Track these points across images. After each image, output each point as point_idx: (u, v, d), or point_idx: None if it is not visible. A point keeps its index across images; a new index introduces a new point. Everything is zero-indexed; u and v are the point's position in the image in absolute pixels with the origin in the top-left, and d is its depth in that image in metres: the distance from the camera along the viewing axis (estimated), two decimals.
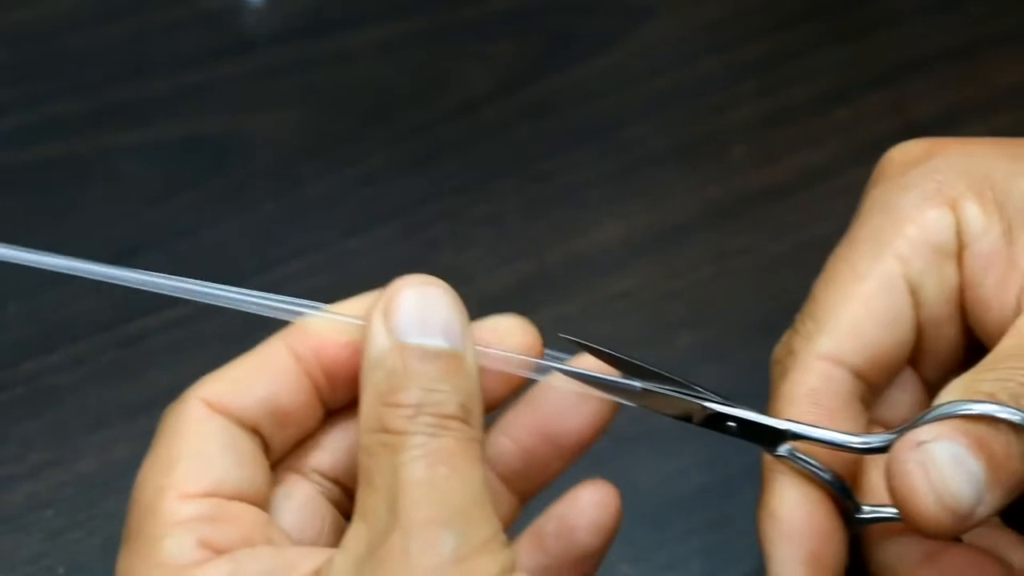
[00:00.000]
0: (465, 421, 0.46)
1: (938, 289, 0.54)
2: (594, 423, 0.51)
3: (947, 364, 0.56)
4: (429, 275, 0.48)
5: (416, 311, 0.47)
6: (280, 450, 0.49)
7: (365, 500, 0.45)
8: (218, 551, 0.46)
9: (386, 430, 0.45)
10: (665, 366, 0.68)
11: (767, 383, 0.55)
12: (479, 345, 0.48)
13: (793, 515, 0.52)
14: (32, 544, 0.63)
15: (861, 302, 0.54)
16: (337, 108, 0.78)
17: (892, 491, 0.47)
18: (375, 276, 0.71)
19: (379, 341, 0.46)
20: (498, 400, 0.51)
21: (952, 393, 0.48)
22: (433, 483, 0.44)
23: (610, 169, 0.76)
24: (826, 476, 0.51)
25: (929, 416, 0.47)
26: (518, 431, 0.51)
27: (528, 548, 0.52)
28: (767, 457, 0.52)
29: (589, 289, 0.70)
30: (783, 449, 0.50)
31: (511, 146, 0.77)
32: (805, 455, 0.51)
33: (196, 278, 0.70)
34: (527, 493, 0.52)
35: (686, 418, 0.50)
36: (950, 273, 0.54)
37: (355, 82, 0.79)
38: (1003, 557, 0.53)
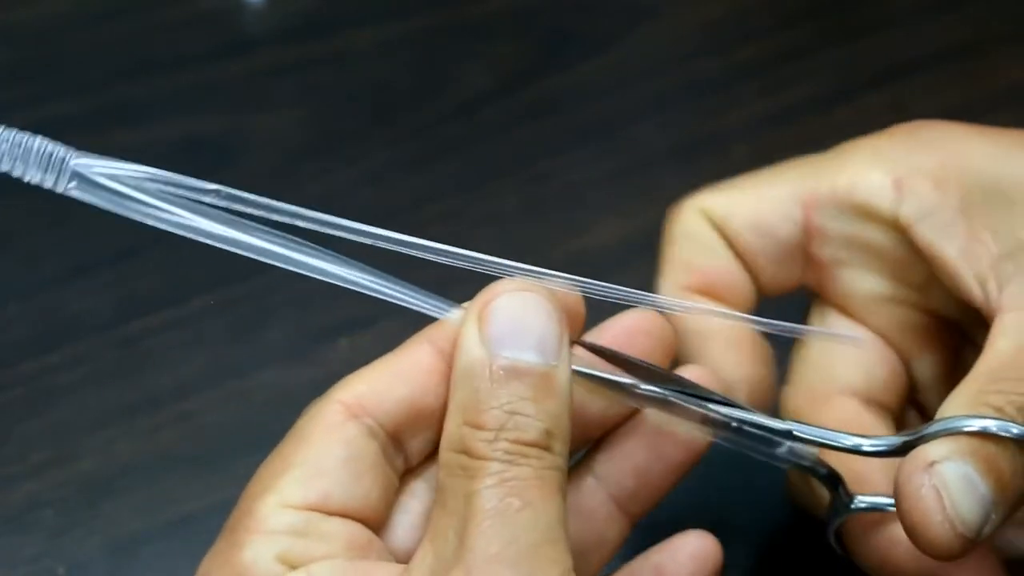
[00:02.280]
0: (546, 448, 0.45)
1: (838, 234, 0.55)
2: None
3: (895, 320, 0.56)
4: (527, 280, 0.47)
5: (511, 321, 0.46)
6: (422, 453, 0.49)
7: (437, 522, 0.45)
8: (295, 567, 0.45)
9: (465, 451, 0.45)
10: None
11: None
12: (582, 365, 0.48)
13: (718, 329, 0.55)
14: (32, 544, 0.63)
15: (759, 185, 0.60)
16: (337, 108, 0.78)
17: (903, 512, 0.47)
18: None
19: (470, 351, 0.46)
20: (610, 421, 0.51)
21: (957, 405, 0.48)
22: (504, 516, 0.43)
23: (610, 169, 0.76)
24: (822, 470, 0.51)
25: (936, 428, 0.47)
26: (628, 448, 0.51)
27: None
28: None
29: None
30: (784, 448, 0.50)
31: (511, 146, 0.77)
32: (803, 451, 0.51)
33: (195, 278, 0.70)
34: (637, 514, 0.51)
35: (691, 417, 0.50)
36: (865, 231, 0.55)
37: (355, 82, 0.79)
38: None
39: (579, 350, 0.49)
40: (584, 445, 0.52)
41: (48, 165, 0.47)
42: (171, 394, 0.67)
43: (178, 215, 0.49)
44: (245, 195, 0.48)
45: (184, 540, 0.63)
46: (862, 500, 0.52)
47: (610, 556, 0.51)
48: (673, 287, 0.57)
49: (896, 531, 0.51)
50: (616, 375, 0.49)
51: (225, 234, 0.50)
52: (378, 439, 0.47)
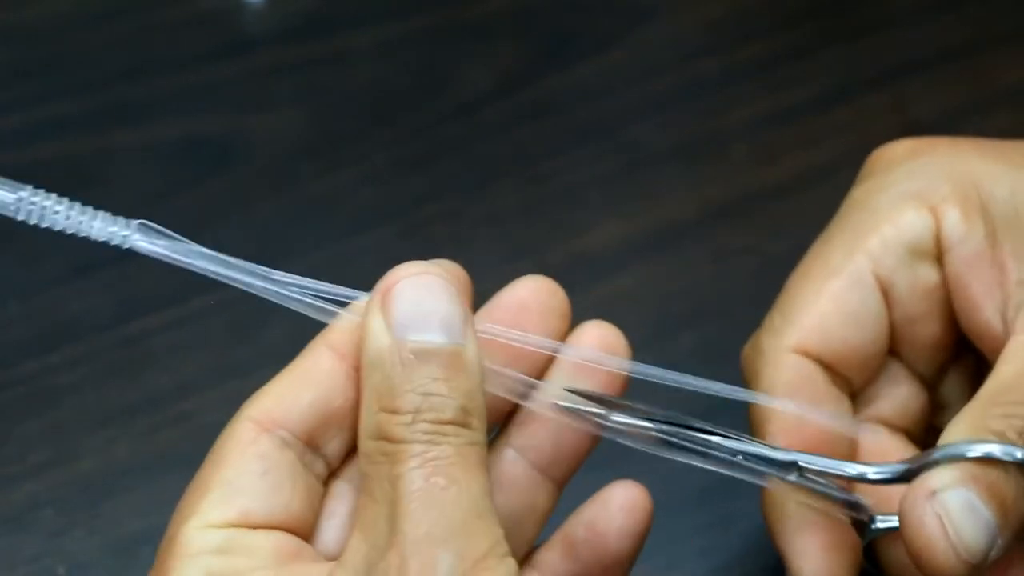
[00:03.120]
0: (464, 424, 0.45)
1: (911, 287, 0.54)
2: (618, 386, 0.51)
3: (936, 358, 0.56)
4: (425, 262, 0.47)
5: (413, 304, 0.46)
6: (340, 455, 0.49)
7: (365, 511, 0.45)
8: None
9: (385, 437, 0.45)
10: (665, 366, 0.68)
11: None
12: (487, 333, 0.48)
13: (805, 511, 0.52)
14: (32, 544, 0.63)
15: (829, 297, 0.54)
16: (337, 108, 0.78)
17: (907, 541, 0.47)
18: (375, 276, 0.71)
19: (377, 339, 0.46)
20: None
21: (959, 430, 0.48)
22: (430, 496, 0.44)
23: (610, 169, 0.76)
24: (836, 493, 0.51)
25: (938, 455, 0.48)
26: (540, 417, 0.51)
27: (559, 556, 0.51)
28: (772, 486, 0.52)
29: (589, 289, 0.70)
30: (791, 476, 0.50)
31: (511, 146, 0.77)
32: (814, 477, 0.51)
33: (196, 278, 0.70)
34: (562, 478, 0.51)
35: (695, 456, 0.50)
36: (925, 272, 0.54)
37: (355, 82, 0.79)
38: None
39: (567, 394, 0.49)
40: (496, 420, 0.51)
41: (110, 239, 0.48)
42: (171, 394, 0.67)
43: (239, 266, 0.52)
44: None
45: None
46: (883, 520, 0.52)
47: (542, 522, 0.52)
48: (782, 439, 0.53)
49: None
50: (604, 417, 0.49)
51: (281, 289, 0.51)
52: (293, 448, 0.48)
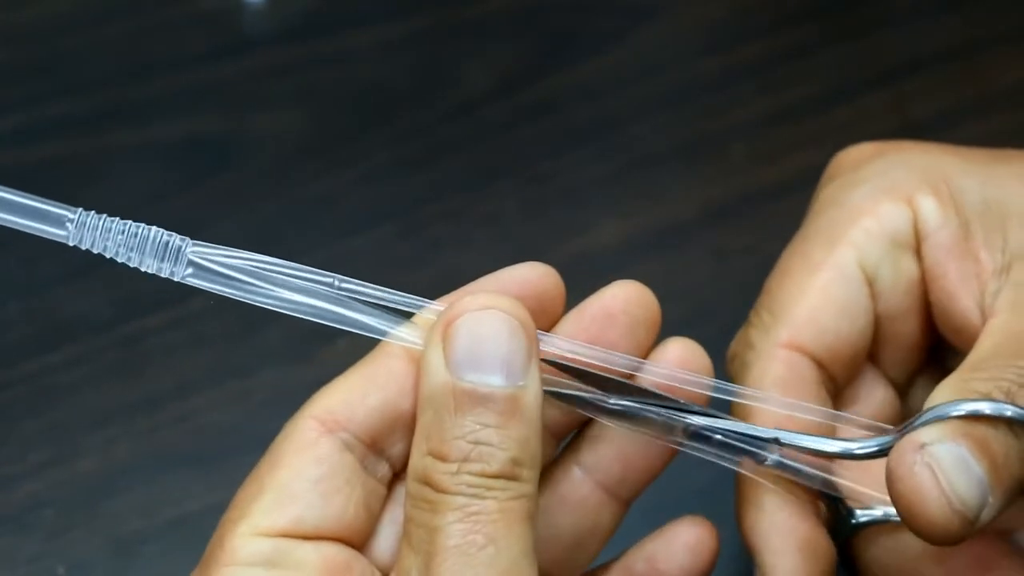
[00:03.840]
0: (512, 477, 0.44)
1: (895, 280, 0.54)
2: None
3: (909, 361, 0.55)
4: (491, 294, 0.45)
5: (474, 342, 0.44)
6: (406, 458, 0.47)
7: (403, 558, 0.44)
8: None
9: (429, 483, 0.44)
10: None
11: None
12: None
13: (780, 508, 0.51)
14: (32, 544, 0.63)
15: (818, 291, 0.53)
16: (337, 108, 0.78)
17: (896, 496, 0.46)
18: (375, 276, 0.71)
19: (433, 375, 0.45)
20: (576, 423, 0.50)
21: (944, 394, 0.48)
22: (466, 555, 0.43)
23: (610, 169, 0.76)
24: (816, 476, 0.51)
25: (925, 418, 0.47)
26: (610, 434, 0.50)
27: None
28: (745, 470, 0.51)
29: (589, 289, 0.70)
30: (772, 460, 0.50)
31: (511, 146, 0.77)
32: (794, 462, 0.50)
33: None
34: (628, 498, 0.51)
35: (671, 432, 0.49)
36: (907, 265, 0.54)
37: (355, 82, 0.79)
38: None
39: (545, 367, 0.48)
40: (563, 436, 0.51)
41: (164, 255, 0.47)
42: (171, 394, 0.67)
43: (289, 296, 0.50)
44: (358, 284, 0.48)
45: (184, 540, 0.63)
46: (864, 514, 0.51)
47: (605, 540, 0.51)
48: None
49: (903, 540, 0.51)
50: (586, 392, 0.48)
51: (336, 312, 0.49)
52: (355, 451, 0.47)
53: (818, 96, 0.78)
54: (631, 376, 0.49)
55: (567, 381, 0.48)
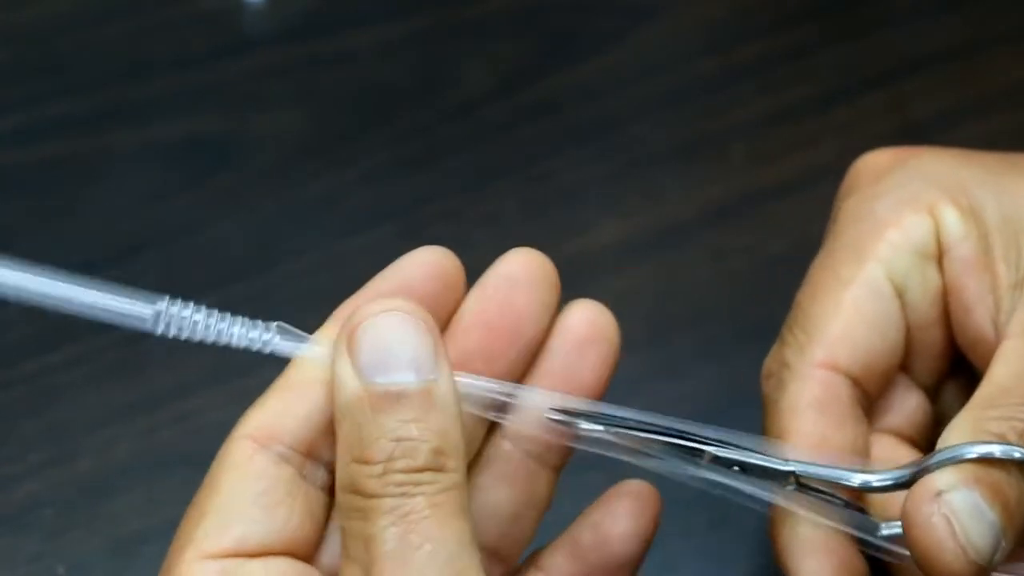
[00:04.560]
0: (439, 468, 0.44)
1: (923, 291, 0.54)
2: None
3: (938, 369, 0.56)
4: (388, 297, 0.46)
5: (379, 345, 0.45)
6: None
7: (344, 571, 0.44)
8: None
9: (357, 491, 0.44)
10: (665, 366, 0.68)
11: None
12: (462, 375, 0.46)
13: (815, 530, 0.51)
14: (32, 544, 0.63)
15: (850, 307, 0.53)
16: (337, 108, 0.78)
17: (913, 542, 0.47)
18: (375, 276, 0.71)
19: (345, 385, 0.45)
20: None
21: (958, 433, 0.48)
22: (405, 557, 0.43)
23: (610, 169, 0.76)
24: (838, 502, 0.51)
25: (939, 458, 0.47)
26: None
27: (565, 558, 0.51)
28: (776, 502, 0.51)
29: (589, 289, 0.70)
30: (790, 487, 0.50)
31: (511, 146, 0.77)
32: (815, 485, 0.50)
33: (195, 278, 0.70)
34: (559, 464, 0.51)
35: (689, 467, 0.49)
36: (933, 276, 0.54)
37: (355, 82, 0.79)
38: None
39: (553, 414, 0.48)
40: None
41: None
42: (171, 394, 0.67)
43: None
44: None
45: None
46: (887, 528, 0.51)
47: (543, 511, 0.51)
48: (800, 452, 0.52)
49: None
50: (596, 428, 0.48)
51: None
52: (292, 462, 0.47)
53: (818, 96, 0.78)
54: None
55: (571, 423, 0.49)
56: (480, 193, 0.75)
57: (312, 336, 0.48)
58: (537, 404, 0.49)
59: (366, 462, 0.44)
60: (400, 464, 0.44)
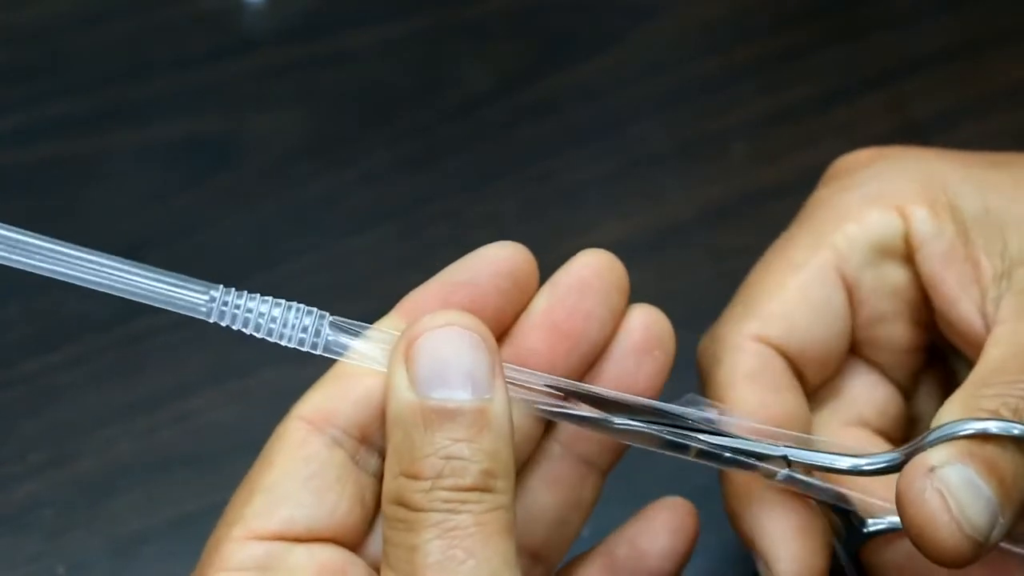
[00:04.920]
0: (487, 489, 0.44)
1: (876, 285, 0.54)
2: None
3: (907, 364, 0.55)
4: (451, 311, 0.45)
5: (436, 359, 0.44)
6: None
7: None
8: None
9: (404, 504, 0.44)
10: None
11: None
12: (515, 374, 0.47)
13: (773, 496, 0.51)
14: (32, 544, 0.63)
15: (793, 290, 0.54)
16: (337, 108, 0.78)
17: (907, 520, 0.46)
18: (375, 276, 0.71)
19: (399, 396, 0.45)
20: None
21: (951, 412, 0.48)
22: (447, 571, 0.43)
23: (610, 169, 0.76)
24: (828, 489, 0.51)
25: (933, 437, 0.47)
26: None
27: (599, 570, 0.51)
28: (730, 475, 0.51)
29: None
30: (781, 475, 0.50)
31: (511, 146, 0.77)
32: (803, 476, 0.50)
33: (196, 278, 0.70)
34: (608, 467, 0.51)
35: (681, 450, 0.49)
36: (891, 271, 0.54)
37: (355, 82, 0.79)
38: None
39: (551, 393, 0.48)
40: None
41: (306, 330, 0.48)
42: (171, 394, 0.67)
43: None
44: None
45: (184, 540, 0.63)
46: (875, 523, 0.51)
47: (588, 514, 0.51)
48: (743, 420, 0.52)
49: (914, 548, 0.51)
50: (592, 412, 0.48)
51: None
52: (345, 446, 0.47)
53: (818, 96, 0.78)
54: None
55: (569, 411, 0.49)
56: (480, 193, 0.75)
57: (371, 328, 0.48)
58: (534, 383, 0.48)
59: (415, 477, 0.44)
60: (448, 482, 0.44)
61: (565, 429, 0.50)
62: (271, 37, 0.81)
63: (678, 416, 0.49)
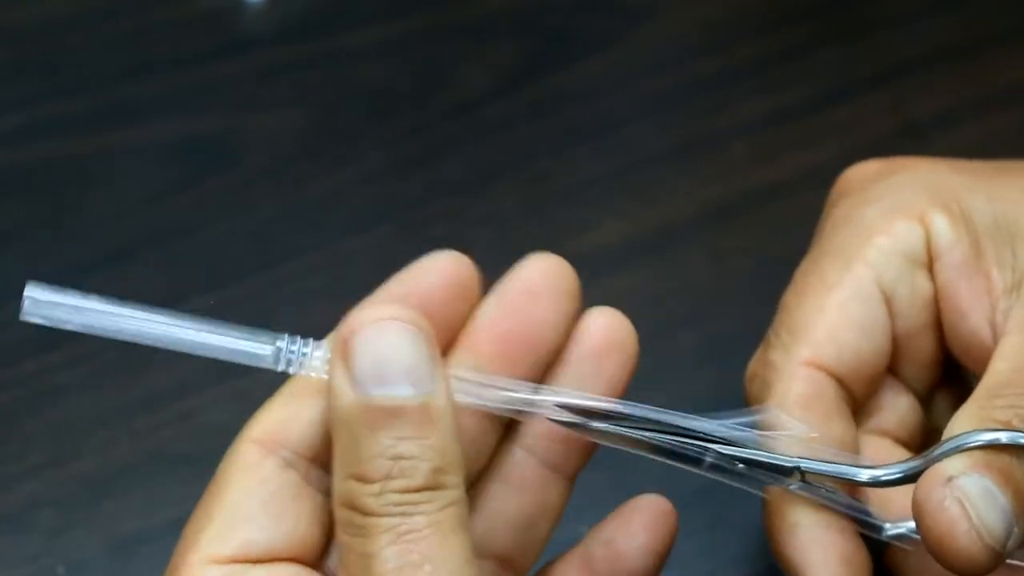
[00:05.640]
0: (438, 487, 0.44)
1: (911, 298, 0.54)
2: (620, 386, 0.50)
3: (929, 377, 0.56)
4: (385, 304, 0.45)
5: (375, 355, 0.44)
6: None
7: None
8: None
9: (355, 508, 0.44)
10: (665, 366, 0.68)
11: None
12: (458, 378, 0.46)
13: (817, 523, 0.51)
14: (32, 544, 0.63)
15: (836, 310, 0.53)
16: (337, 108, 0.78)
17: (926, 530, 0.47)
18: (375, 276, 0.71)
19: (341, 395, 0.44)
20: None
21: (963, 423, 0.48)
22: None
23: (610, 169, 0.76)
24: (841, 500, 0.51)
25: (946, 447, 0.47)
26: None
27: (576, 571, 0.51)
28: (771, 494, 0.51)
29: (589, 289, 0.70)
30: (795, 486, 0.50)
31: (511, 146, 0.77)
32: (817, 483, 0.50)
33: (195, 278, 0.70)
34: (574, 472, 0.50)
35: (694, 463, 0.49)
36: (922, 282, 0.54)
37: (355, 82, 0.79)
38: None
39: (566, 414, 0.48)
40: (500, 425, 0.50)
41: None
42: (171, 394, 0.67)
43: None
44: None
45: None
46: (892, 528, 0.51)
47: (556, 519, 0.51)
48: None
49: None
50: (606, 425, 0.48)
51: None
52: (298, 468, 0.47)
53: (818, 96, 0.78)
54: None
55: (576, 421, 0.48)
56: (480, 193, 0.75)
57: (321, 342, 0.48)
58: (547, 402, 0.48)
59: (364, 480, 0.44)
60: (398, 484, 0.43)
61: (529, 434, 0.50)
62: (270, 37, 0.81)
63: (690, 430, 0.49)
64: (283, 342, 0.47)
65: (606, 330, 0.49)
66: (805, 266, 0.55)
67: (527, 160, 0.76)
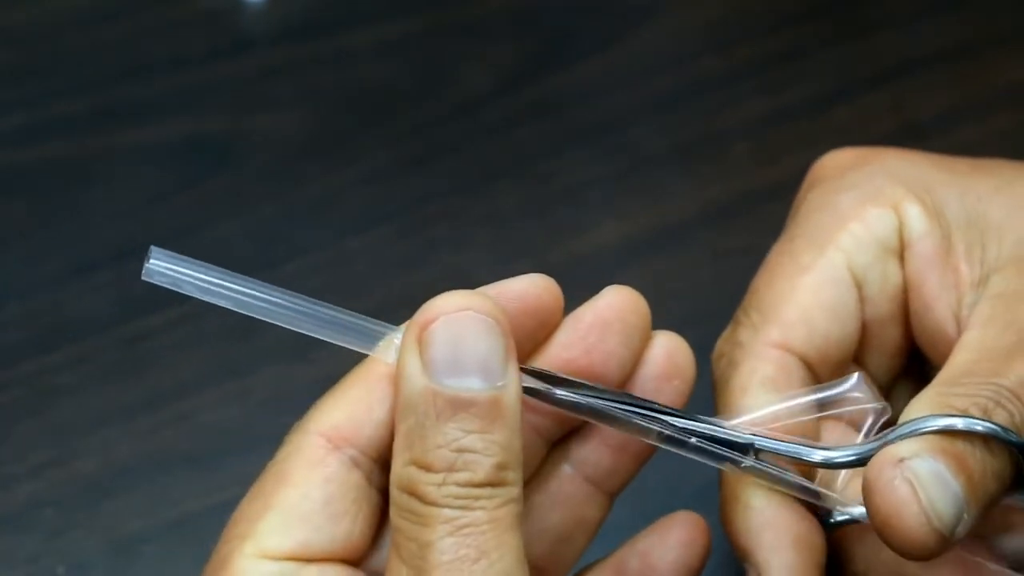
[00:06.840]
0: (499, 483, 0.44)
1: (881, 285, 0.54)
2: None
3: (892, 366, 0.56)
4: (465, 293, 0.45)
5: (451, 344, 0.44)
6: None
7: (392, 568, 0.44)
8: None
9: (415, 495, 0.44)
10: None
11: None
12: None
13: (769, 505, 0.51)
14: (32, 544, 0.63)
15: (808, 292, 0.53)
16: (337, 108, 0.78)
17: (874, 509, 0.46)
18: (375, 276, 0.71)
19: (411, 381, 0.44)
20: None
21: (920, 408, 0.48)
22: (461, 570, 0.43)
23: (610, 169, 0.76)
24: (793, 481, 0.51)
25: (901, 431, 0.47)
26: (605, 431, 0.50)
27: None
28: (727, 473, 0.51)
29: (589, 289, 0.70)
30: (747, 463, 0.50)
31: (511, 146, 0.77)
32: (771, 463, 0.50)
33: None
34: (616, 490, 0.51)
35: (649, 434, 0.49)
36: (892, 271, 0.54)
37: (355, 82, 0.79)
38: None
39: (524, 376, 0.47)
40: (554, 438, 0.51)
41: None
42: (171, 394, 0.67)
43: None
44: None
45: (184, 540, 0.63)
46: (841, 513, 0.51)
47: (593, 534, 0.51)
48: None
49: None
50: (565, 392, 0.48)
51: None
52: (362, 467, 0.47)
53: (818, 96, 0.78)
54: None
55: (542, 389, 0.48)
56: (480, 193, 0.75)
57: (399, 328, 0.47)
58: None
59: (427, 468, 0.44)
60: (461, 477, 0.43)
61: (578, 448, 0.50)
62: (271, 37, 0.81)
63: (646, 401, 0.49)
64: (378, 326, 0.46)
65: (670, 356, 0.50)
66: (777, 248, 0.55)
67: (527, 160, 0.76)
